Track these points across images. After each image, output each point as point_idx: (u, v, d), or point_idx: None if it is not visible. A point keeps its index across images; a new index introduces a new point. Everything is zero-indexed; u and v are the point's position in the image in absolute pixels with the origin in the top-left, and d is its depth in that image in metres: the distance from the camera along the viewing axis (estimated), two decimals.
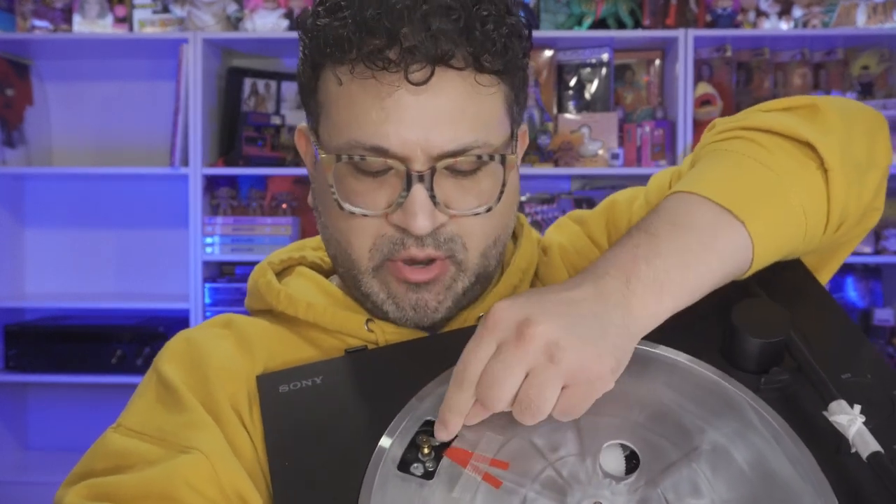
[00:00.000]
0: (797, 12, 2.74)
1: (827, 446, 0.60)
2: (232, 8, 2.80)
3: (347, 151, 0.70)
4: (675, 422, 0.61)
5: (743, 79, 2.82)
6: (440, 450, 0.61)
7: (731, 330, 0.65)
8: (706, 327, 0.67)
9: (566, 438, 0.60)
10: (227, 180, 2.83)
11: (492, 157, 0.70)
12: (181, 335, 0.77)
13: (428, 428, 0.62)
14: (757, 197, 0.68)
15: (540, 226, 2.74)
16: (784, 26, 2.74)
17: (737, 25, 2.73)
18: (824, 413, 0.59)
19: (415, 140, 0.68)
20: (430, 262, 0.72)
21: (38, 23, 2.86)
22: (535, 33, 2.72)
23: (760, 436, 0.61)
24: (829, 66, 2.79)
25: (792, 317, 0.65)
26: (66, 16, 2.87)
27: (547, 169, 2.71)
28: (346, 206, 0.71)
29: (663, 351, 0.66)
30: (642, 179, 0.92)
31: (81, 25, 2.84)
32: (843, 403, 0.59)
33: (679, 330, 0.65)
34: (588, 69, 2.83)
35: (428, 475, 0.60)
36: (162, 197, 2.92)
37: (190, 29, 2.74)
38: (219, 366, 0.72)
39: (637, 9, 2.75)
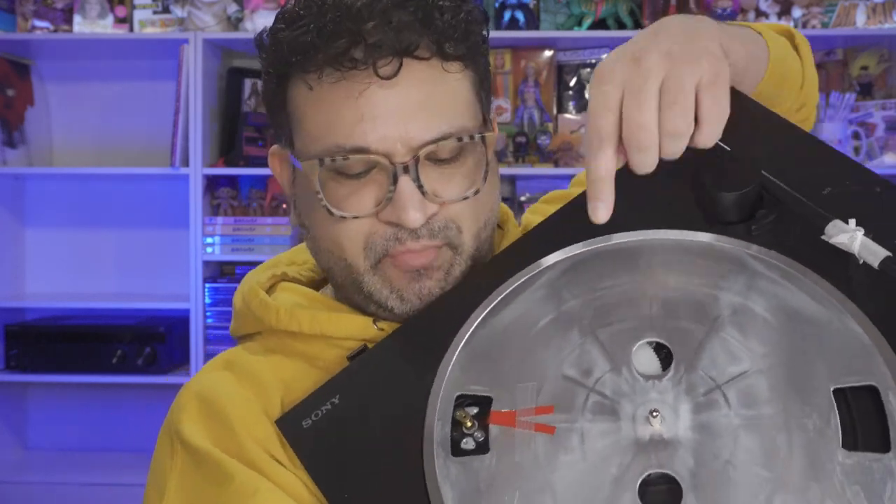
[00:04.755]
0: (797, 12, 2.75)
1: (835, 267, 0.59)
2: (232, 8, 2.81)
3: (328, 155, 0.69)
4: (687, 300, 0.61)
5: None
6: (481, 417, 0.59)
7: (704, 192, 0.64)
8: (678, 197, 0.66)
9: (594, 359, 0.59)
10: (227, 180, 2.83)
11: (472, 138, 0.70)
12: (189, 391, 0.73)
13: (462, 401, 0.61)
14: (761, 33, 0.75)
15: None
16: None
17: None
18: (823, 238, 0.59)
19: (393, 134, 0.68)
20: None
21: (38, 23, 2.87)
22: (535, 33, 2.73)
23: (770, 280, 0.60)
24: (829, 67, 2.79)
25: (757, 154, 0.64)
26: (67, 16, 2.87)
27: (547, 169, 2.71)
28: (336, 211, 0.70)
29: (647, 235, 0.64)
30: None
31: (82, 26, 2.84)
32: (838, 223, 0.58)
33: (654, 208, 0.64)
34: (588, 69, 2.83)
35: (482, 448, 0.59)
36: (162, 197, 2.92)
37: (190, 29, 2.74)
38: (240, 414, 0.69)
39: (637, 9, 2.75)
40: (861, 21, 2.71)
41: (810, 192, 0.62)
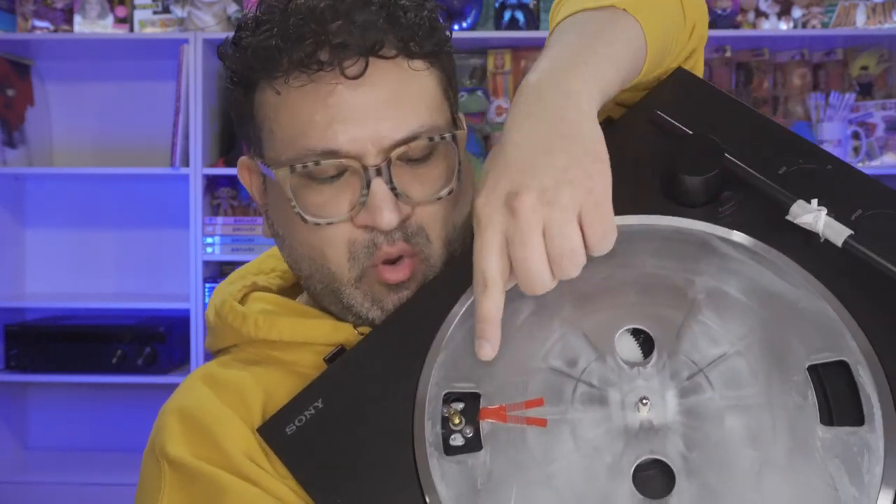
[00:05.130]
0: (796, 13, 2.75)
1: (797, 244, 0.62)
2: (232, 8, 2.81)
3: (299, 161, 0.69)
4: (663, 285, 0.62)
5: (742, 79, 2.82)
6: (468, 414, 0.60)
7: (669, 177, 0.65)
8: (643, 182, 0.67)
9: (578, 349, 0.60)
10: (227, 180, 2.83)
11: (443, 137, 0.70)
12: (168, 411, 0.71)
13: (448, 397, 0.61)
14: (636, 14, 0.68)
15: None
16: (783, 27, 2.75)
17: (736, 26, 2.73)
18: (788, 219, 0.61)
19: (364, 135, 0.67)
20: (400, 258, 0.71)
21: (38, 23, 2.87)
22: (535, 33, 2.73)
23: (739, 261, 0.62)
24: (829, 67, 2.79)
25: (715, 136, 0.65)
26: (67, 16, 2.87)
27: None
28: (310, 217, 0.70)
29: (616, 221, 0.63)
30: None
31: (82, 26, 2.84)
32: (802, 203, 0.61)
33: (620, 195, 0.64)
34: None
35: (473, 445, 0.59)
36: (162, 197, 2.92)
37: (190, 29, 2.75)
38: (223, 426, 0.68)
39: None
40: (861, 21, 2.71)
41: (768, 172, 0.64)
